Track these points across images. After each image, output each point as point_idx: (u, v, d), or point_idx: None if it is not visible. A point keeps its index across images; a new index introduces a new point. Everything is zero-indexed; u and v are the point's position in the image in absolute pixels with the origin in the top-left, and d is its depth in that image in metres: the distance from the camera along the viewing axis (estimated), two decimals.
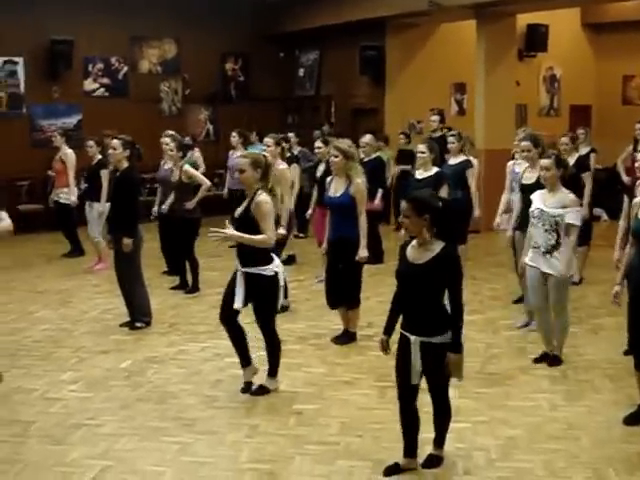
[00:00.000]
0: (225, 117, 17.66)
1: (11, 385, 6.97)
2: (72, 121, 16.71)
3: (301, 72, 18.51)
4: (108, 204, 11.32)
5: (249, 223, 6.41)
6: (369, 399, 6.57)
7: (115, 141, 8.65)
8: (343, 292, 8.06)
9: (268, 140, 9.56)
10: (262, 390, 6.67)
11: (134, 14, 16.75)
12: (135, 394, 6.72)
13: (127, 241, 8.34)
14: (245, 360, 6.77)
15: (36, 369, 7.42)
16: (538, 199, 7.14)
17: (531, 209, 7.19)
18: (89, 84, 17.00)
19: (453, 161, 10.42)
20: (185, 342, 8.20)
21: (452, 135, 10.62)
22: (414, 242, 5.11)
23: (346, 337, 8.11)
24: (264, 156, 6.67)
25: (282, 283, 6.56)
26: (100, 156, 11.79)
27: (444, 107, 16.57)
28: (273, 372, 6.76)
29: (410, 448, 5.28)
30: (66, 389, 6.93)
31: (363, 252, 7.85)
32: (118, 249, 8.53)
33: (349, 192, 7.85)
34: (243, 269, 6.47)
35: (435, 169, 9.55)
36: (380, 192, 11.37)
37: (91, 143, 12.03)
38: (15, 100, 16.25)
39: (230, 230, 6.40)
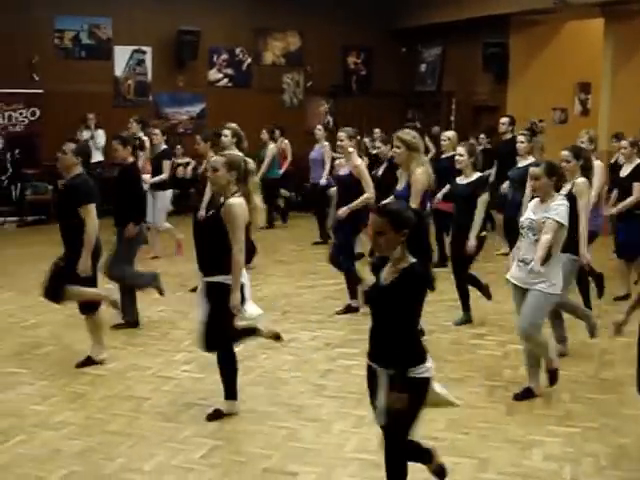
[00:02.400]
0: (345, 110, 17.75)
1: (127, 362, 7.23)
2: (196, 110, 17.14)
3: (423, 67, 18.43)
4: (168, 192, 11.63)
5: (217, 228, 5.86)
6: (478, 397, 6.52)
7: (114, 142, 8.62)
8: None
9: (341, 134, 8.96)
10: (217, 414, 6.03)
11: (259, 6, 17.04)
12: (246, 378, 6.84)
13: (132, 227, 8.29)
14: None
15: (151, 348, 7.65)
16: (529, 209, 6.51)
17: (521, 220, 6.52)
18: (213, 74, 17.37)
19: (521, 163, 10.12)
20: (297, 330, 8.30)
21: (523, 134, 10.27)
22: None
23: None
24: (245, 160, 6.14)
25: (246, 294, 6.00)
26: (165, 146, 11.75)
27: (567, 106, 16.30)
28: (229, 394, 6.09)
29: None
30: (179, 369, 7.13)
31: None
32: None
33: (409, 184, 7.70)
34: (205, 279, 5.97)
35: (477, 175, 8.55)
36: None
37: (157, 131, 11.92)
38: (142, 88, 16.77)
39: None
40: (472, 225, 8.10)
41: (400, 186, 7.88)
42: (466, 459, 5.38)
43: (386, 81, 18.24)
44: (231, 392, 6.06)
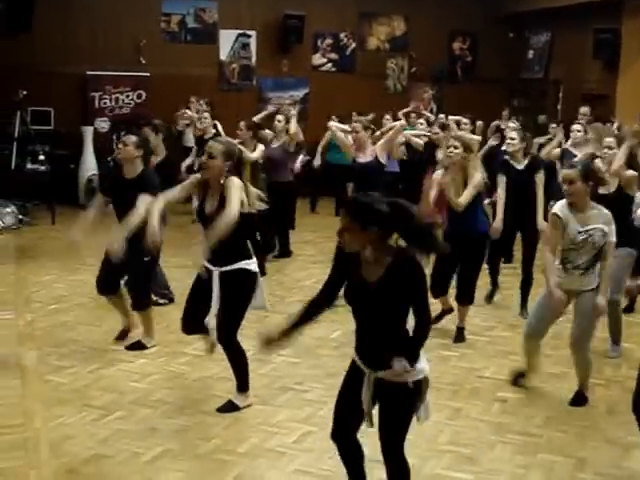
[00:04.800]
0: (450, 96, 17.54)
1: None
2: (299, 94, 17.17)
3: (530, 54, 18.04)
4: None
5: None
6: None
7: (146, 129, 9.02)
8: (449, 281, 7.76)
9: (356, 125, 8.75)
10: (231, 406, 5.92)
11: None
12: (342, 365, 6.72)
13: None
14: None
15: (249, 331, 7.61)
16: (573, 220, 5.93)
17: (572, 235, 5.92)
18: (317, 59, 17.36)
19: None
20: None
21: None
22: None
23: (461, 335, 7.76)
24: (239, 149, 5.85)
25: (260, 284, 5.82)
26: (214, 130, 11.50)
27: None
28: (242, 387, 5.98)
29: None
30: (276, 353, 7.14)
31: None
32: None
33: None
34: (222, 268, 5.64)
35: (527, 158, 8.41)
36: None
37: (206, 115, 11.72)
38: (246, 72, 16.90)
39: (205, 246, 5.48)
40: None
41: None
42: (563, 457, 5.26)
43: (492, 68, 17.93)
44: (243, 384, 5.96)
